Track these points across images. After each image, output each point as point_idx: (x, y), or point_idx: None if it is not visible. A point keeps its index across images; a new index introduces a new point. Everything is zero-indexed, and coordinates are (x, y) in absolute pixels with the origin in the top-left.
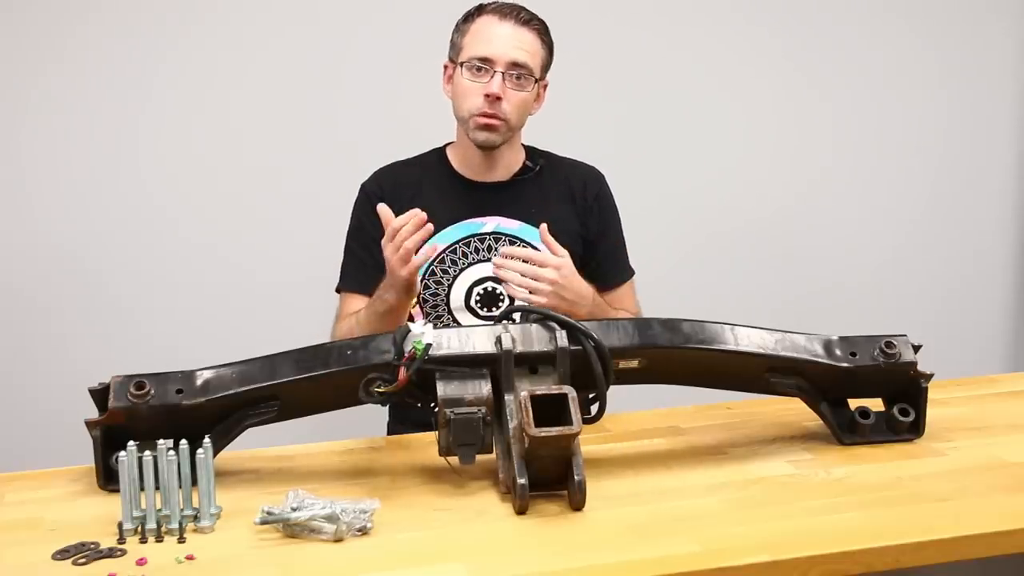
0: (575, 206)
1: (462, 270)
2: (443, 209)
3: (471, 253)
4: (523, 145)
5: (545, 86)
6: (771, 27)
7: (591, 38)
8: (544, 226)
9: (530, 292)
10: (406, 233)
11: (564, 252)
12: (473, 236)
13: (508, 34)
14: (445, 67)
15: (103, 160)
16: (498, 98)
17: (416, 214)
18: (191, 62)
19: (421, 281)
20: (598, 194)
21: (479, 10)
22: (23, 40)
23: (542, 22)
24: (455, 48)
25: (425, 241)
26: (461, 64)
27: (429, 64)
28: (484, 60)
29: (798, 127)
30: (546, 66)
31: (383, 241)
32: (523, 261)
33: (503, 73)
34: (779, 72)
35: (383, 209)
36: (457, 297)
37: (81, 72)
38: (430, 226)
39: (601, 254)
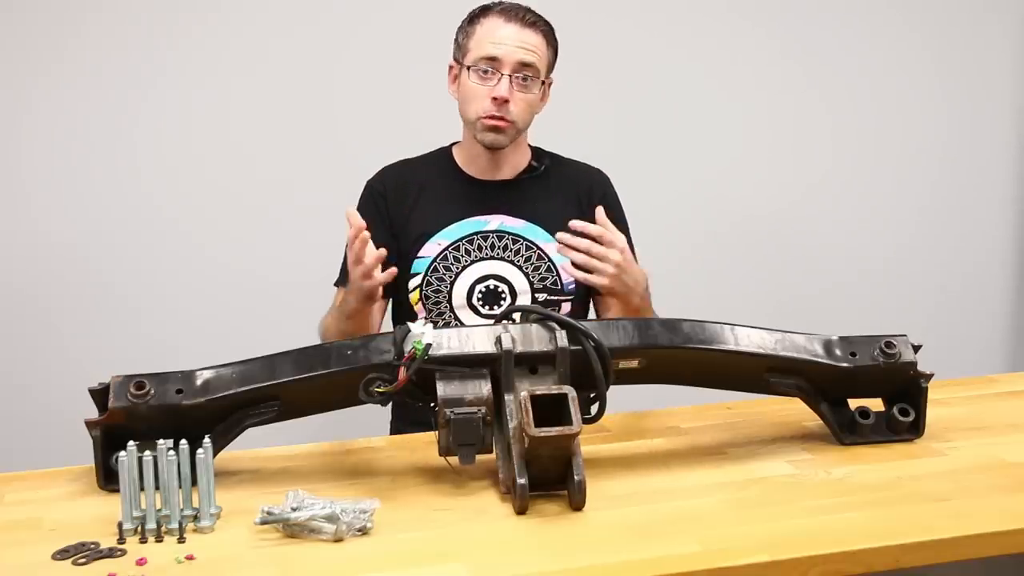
0: (580, 207)
1: (465, 267)
2: (447, 206)
3: (474, 251)
4: (529, 145)
5: (550, 84)
6: (771, 27)
7: (591, 38)
8: (601, 208)
9: (591, 272)
10: (360, 248)
11: (622, 236)
12: (477, 234)
13: (514, 35)
14: (450, 67)
15: (103, 160)
16: (505, 101)
17: (359, 228)
18: (192, 62)
19: (424, 277)
20: (604, 195)
21: (484, 11)
22: (23, 40)
23: (547, 23)
24: (461, 49)
25: (385, 260)
26: (468, 67)
27: (432, 64)
28: (491, 62)
29: (798, 127)
30: (551, 65)
31: (348, 249)
32: (588, 241)
33: (510, 75)
34: (779, 72)
35: (350, 213)
36: (459, 294)
37: (81, 72)
38: (382, 251)
39: None
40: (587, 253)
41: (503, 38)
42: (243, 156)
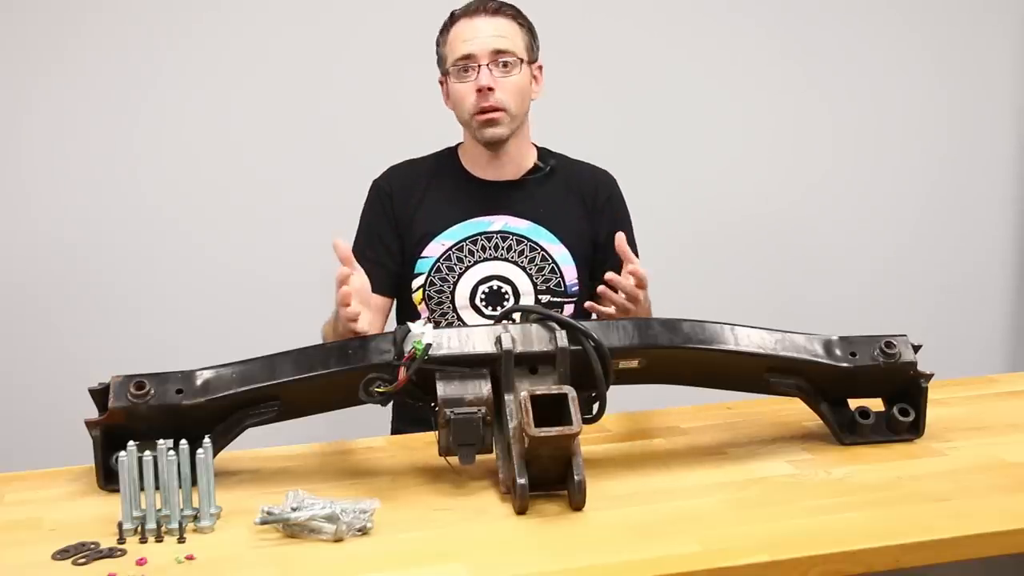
0: (585, 208)
1: (468, 267)
2: (451, 207)
3: (478, 251)
4: (534, 145)
5: (540, 67)
6: (771, 27)
7: (591, 38)
8: (621, 235)
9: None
10: (344, 296)
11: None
12: (481, 234)
13: (482, 27)
14: (440, 82)
15: (103, 160)
16: (490, 89)
17: (343, 275)
18: (192, 62)
19: (427, 277)
20: (609, 197)
21: (451, 18)
22: (23, 40)
23: (512, 7)
24: (441, 61)
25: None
26: (449, 72)
27: (432, 63)
28: (467, 59)
29: (798, 127)
30: (531, 47)
31: (336, 288)
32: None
33: (487, 65)
34: (779, 72)
35: (337, 243)
36: (462, 295)
37: (81, 72)
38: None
39: (613, 258)
40: (624, 291)
41: (472, 34)
42: (243, 156)
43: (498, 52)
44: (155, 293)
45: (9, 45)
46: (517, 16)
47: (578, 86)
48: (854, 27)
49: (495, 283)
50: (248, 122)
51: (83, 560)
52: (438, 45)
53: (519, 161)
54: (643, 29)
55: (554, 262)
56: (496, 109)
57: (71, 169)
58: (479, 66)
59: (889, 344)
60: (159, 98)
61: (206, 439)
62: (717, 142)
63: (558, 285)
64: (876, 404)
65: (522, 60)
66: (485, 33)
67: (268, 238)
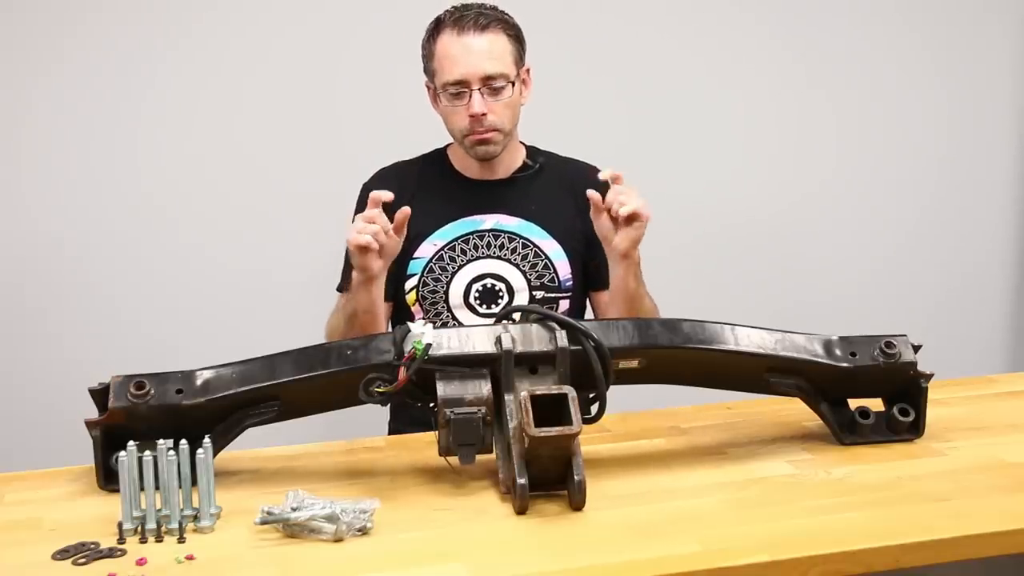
0: (576, 204)
1: (461, 267)
2: (443, 207)
3: (470, 250)
4: (523, 143)
5: (528, 70)
6: (770, 27)
7: (591, 37)
8: (592, 191)
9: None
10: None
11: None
12: (473, 233)
13: (472, 48)
14: (427, 87)
15: (103, 160)
16: (483, 114)
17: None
18: (191, 62)
19: (420, 278)
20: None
21: (438, 26)
22: (23, 40)
23: (501, 18)
24: (428, 71)
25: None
26: (438, 90)
27: None
28: (457, 84)
29: (798, 128)
30: (520, 58)
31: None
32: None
33: (480, 90)
34: (778, 73)
35: (405, 208)
36: (456, 294)
37: (80, 72)
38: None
39: (604, 255)
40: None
41: (462, 56)
42: (243, 156)
43: (489, 77)
44: (155, 293)
45: (9, 45)
46: (506, 27)
47: (579, 87)
48: (854, 27)
49: (489, 281)
50: (249, 122)
51: (83, 560)
52: (424, 51)
53: (509, 161)
54: (643, 29)
55: (547, 258)
56: (489, 131)
57: (70, 169)
58: (470, 91)
59: (889, 344)
60: (158, 98)
61: (206, 439)
62: (716, 142)
63: (552, 281)
64: (876, 404)
65: (512, 80)
66: (476, 55)
67: (268, 238)
